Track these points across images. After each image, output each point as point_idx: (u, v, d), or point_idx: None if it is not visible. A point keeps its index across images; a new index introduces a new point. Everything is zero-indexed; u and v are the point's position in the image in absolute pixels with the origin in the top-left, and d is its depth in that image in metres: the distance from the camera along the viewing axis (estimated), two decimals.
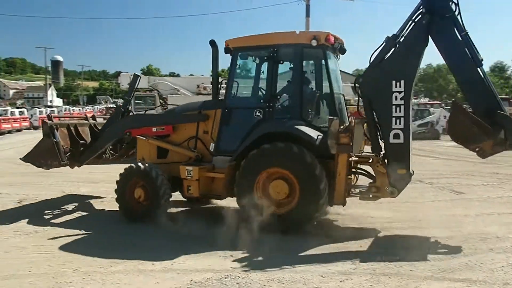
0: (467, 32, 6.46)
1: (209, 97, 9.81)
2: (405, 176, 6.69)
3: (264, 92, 7.58)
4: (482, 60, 6.49)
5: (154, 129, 8.23)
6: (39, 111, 40.19)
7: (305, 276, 5.33)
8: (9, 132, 32.36)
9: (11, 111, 34.30)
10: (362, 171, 7.49)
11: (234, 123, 7.57)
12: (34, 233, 7.14)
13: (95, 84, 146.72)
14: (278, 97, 7.42)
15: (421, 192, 10.13)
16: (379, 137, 6.93)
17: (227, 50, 7.70)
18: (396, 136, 6.67)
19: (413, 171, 6.92)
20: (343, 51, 7.92)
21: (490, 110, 6.39)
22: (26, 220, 7.94)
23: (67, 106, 58.96)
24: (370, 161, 7.13)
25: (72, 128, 9.08)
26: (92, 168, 10.63)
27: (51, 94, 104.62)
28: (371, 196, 7.12)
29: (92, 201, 9.55)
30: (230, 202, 7.89)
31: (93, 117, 10.28)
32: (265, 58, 7.65)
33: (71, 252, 6.25)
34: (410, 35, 6.69)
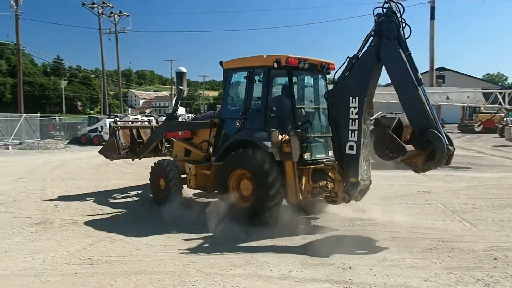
0: (411, 53, 6.89)
1: None
2: (355, 184, 7.17)
3: (242, 106, 8.72)
4: (421, 80, 6.84)
5: (180, 133, 10.10)
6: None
7: None
8: None
9: (141, 119, 37.61)
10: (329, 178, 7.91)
11: (224, 131, 9.00)
12: (162, 233, 7.63)
13: (215, 93, 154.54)
14: (251, 110, 8.46)
15: None
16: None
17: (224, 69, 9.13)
18: (351, 147, 7.17)
19: (370, 181, 7.53)
20: (327, 70, 8.73)
21: (424, 128, 6.75)
22: (155, 220, 8.54)
23: (189, 115, 62.81)
24: (332, 169, 7.71)
25: (134, 130, 11.61)
26: None
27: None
28: (330, 200, 7.82)
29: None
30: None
31: (157, 122, 11.83)
32: (244, 77, 8.70)
33: (194, 252, 6.58)
34: (363, 55, 7.21)
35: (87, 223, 8.39)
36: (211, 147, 9.25)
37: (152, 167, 9.97)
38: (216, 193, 8.81)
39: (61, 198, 10.67)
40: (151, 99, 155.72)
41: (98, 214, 9.07)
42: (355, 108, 7.16)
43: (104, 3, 43.12)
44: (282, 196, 7.80)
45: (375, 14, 7.14)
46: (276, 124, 8.07)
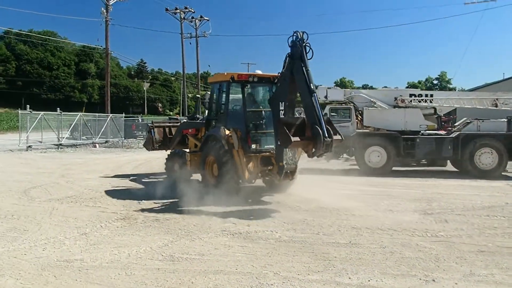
0: (309, 69, 9.34)
1: (407, 110, 16.18)
2: (282, 167, 10.11)
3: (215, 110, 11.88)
4: (313, 90, 9.31)
5: (189, 130, 12.98)
6: None
7: None
8: None
9: None
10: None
11: (208, 128, 11.98)
12: (239, 234, 7.72)
13: None
14: (220, 113, 11.49)
15: None
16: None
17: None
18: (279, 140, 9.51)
19: (296, 165, 10.82)
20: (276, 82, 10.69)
21: (312, 124, 9.08)
22: (233, 221, 8.69)
23: None
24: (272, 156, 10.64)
25: (166, 128, 14.74)
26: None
27: None
28: (267, 178, 11.69)
29: (291, 207, 9.94)
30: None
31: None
32: (217, 89, 11.76)
33: (271, 255, 6.57)
34: (283, 71, 9.85)
35: (168, 220, 8.70)
36: None
37: (170, 154, 13.97)
38: (200, 174, 11.89)
39: (144, 195, 11.17)
40: None
41: (178, 212, 9.36)
42: (282, 110, 9.82)
43: (186, 8, 44.79)
44: (234, 174, 10.58)
45: (288, 42, 9.70)
46: (235, 123, 10.84)
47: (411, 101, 16.21)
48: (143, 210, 9.61)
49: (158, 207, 9.93)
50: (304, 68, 9.38)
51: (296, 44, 9.53)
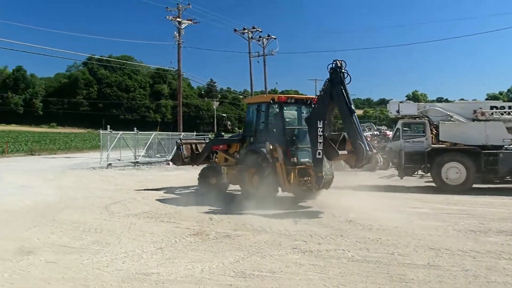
0: (348, 93, 10.95)
1: (488, 123, 15.50)
2: (320, 177, 11.15)
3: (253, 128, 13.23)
4: (354, 110, 10.98)
5: (220, 146, 14.12)
6: None
7: None
8: None
9: None
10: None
11: (243, 144, 13.35)
12: (310, 252, 7.61)
13: (359, 112, 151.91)
14: (258, 130, 12.85)
15: None
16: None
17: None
18: (319, 153, 10.96)
19: (333, 175, 12.27)
20: (310, 103, 12.66)
21: (355, 140, 10.73)
22: (304, 238, 8.59)
23: None
24: (310, 168, 11.84)
25: (193, 145, 15.83)
26: None
27: None
28: (309, 188, 12.45)
29: (363, 225, 9.67)
30: None
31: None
32: (255, 109, 13.14)
33: (344, 275, 6.40)
34: (323, 94, 11.41)
35: (239, 236, 8.78)
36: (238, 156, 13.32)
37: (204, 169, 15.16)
38: (239, 185, 13.28)
39: (215, 211, 11.39)
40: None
41: (248, 229, 9.43)
42: (320, 128, 10.94)
43: (253, 28, 45.67)
44: (275, 184, 12.04)
45: (328, 68, 11.15)
46: (275, 139, 12.24)
47: (492, 113, 15.28)
48: (214, 226, 9.79)
49: (229, 223, 10.06)
50: (344, 91, 10.97)
51: (336, 71, 11.07)
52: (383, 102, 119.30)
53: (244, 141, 13.32)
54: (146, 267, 6.82)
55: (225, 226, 9.80)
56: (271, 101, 12.52)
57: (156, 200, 13.37)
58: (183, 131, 35.92)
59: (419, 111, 16.70)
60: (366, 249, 7.77)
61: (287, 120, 12.80)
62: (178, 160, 15.80)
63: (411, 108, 16.86)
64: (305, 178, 12.16)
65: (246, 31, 45.57)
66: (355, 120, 10.86)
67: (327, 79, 11.22)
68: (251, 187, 12.33)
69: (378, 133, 31.97)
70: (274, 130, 12.55)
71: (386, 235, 8.66)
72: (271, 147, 11.96)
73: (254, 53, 47.17)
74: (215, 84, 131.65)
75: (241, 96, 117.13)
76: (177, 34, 36.98)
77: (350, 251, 7.65)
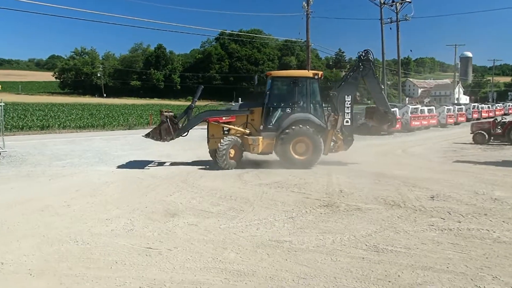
0: (377, 75, 16.14)
1: None
2: (351, 140, 14.87)
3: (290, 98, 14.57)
4: (383, 88, 15.99)
5: (223, 118, 14.72)
6: (447, 109, 40.72)
7: None
8: (418, 129, 34.36)
9: (420, 109, 36.22)
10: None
11: (272, 114, 14.68)
12: (448, 230, 7.15)
13: (507, 79, 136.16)
14: (298, 102, 14.36)
15: None
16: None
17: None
18: (347, 122, 14.75)
19: (353, 139, 15.06)
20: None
21: (388, 111, 15.17)
22: (442, 216, 8.10)
23: (475, 104, 57.19)
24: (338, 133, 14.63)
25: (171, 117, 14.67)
26: None
27: (458, 92, 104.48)
28: (333, 150, 14.82)
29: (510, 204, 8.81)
30: None
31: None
32: (291, 82, 14.45)
33: (488, 257, 5.91)
34: (353, 74, 14.90)
35: (370, 210, 8.60)
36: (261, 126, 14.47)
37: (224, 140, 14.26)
38: (278, 154, 14.49)
39: (345, 184, 11.29)
40: (430, 87, 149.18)
41: (381, 203, 9.17)
42: (348, 101, 14.52)
43: None
44: (324, 149, 14.17)
45: (360, 55, 14.81)
46: (315, 111, 14.48)
47: None
48: (345, 198, 9.71)
49: (360, 196, 9.89)
50: (373, 73, 14.87)
51: (369, 58, 14.72)
52: None
53: (268, 112, 14.45)
54: (279, 234, 7.05)
55: (356, 199, 9.66)
56: (314, 76, 14.40)
57: (286, 171, 13.65)
58: None
59: None
60: None
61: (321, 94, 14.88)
62: (169, 134, 14.35)
63: None
64: (334, 142, 14.79)
65: None
66: (384, 95, 15.39)
67: (358, 62, 14.87)
68: (296, 155, 14.04)
69: None
70: (314, 101, 14.52)
71: None
72: (332, 115, 14.49)
73: (386, 19, 44.97)
74: (344, 54, 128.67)
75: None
76: (305, 4, 36.73)
77: (496, 231, 7.03)
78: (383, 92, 14.45)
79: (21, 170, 14.02)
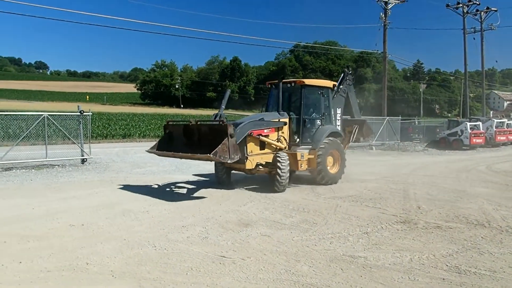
0: (355, 91, 16.33)
1: None
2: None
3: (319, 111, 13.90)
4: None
5: (265, 131, 12.36)
6: None
7: None
8: (503, 144, 32.19)
9: (507, 123, 33.94)
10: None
11: (306, 127, 13.44)
12: None
13: None
14: (325, 114, 13.79)
15: None
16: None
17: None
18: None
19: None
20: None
21: (364, 122, 16.15)
22: None
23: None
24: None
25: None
26: None
27: None
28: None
29: None
30: None
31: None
32: (319, 93, 13.76)
33: None
34: (342, 87, 15.27)
35: (451, 229, 8.16)
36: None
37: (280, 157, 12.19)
38: (318, 172, 13.14)
39: (423, 200, 10.82)
40: None
41: (461, 222, 8.68)
42: (338, 114, 14.80)
43: (469, 1, 41.32)
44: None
45: (345, 71, 15.81)
46: (333, 122, 14.38)
47: None
48: (423, 215, 9.30)
49: (440, 213, 9.43)
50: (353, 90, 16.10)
51: (351, 73, 15.91)
52: None
53: (299, 123, 13.11)
54: (353, 250, 6.90)
55: (435, 216, 9.22)
56: (333, 87, 14.45)
57: (360, 184, 13.36)
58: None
59: None
60: None
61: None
62: (224, 152, 10.27)
63: None
64: None
65: (461, 5, 41.53)
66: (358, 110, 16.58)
67: (343, 78, 15.50)
68: (329, 171, 13.48)
69: None
70: (332, 112, 14.31)
71: None
72: (352, 127, 15.23)
73: (470, 29, 42.79)
74: (422, 65, 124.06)
75: (452, 77, 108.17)
76: (383, 15, 35.93)
77: None
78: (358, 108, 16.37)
79: (105, 176, 14.92)
